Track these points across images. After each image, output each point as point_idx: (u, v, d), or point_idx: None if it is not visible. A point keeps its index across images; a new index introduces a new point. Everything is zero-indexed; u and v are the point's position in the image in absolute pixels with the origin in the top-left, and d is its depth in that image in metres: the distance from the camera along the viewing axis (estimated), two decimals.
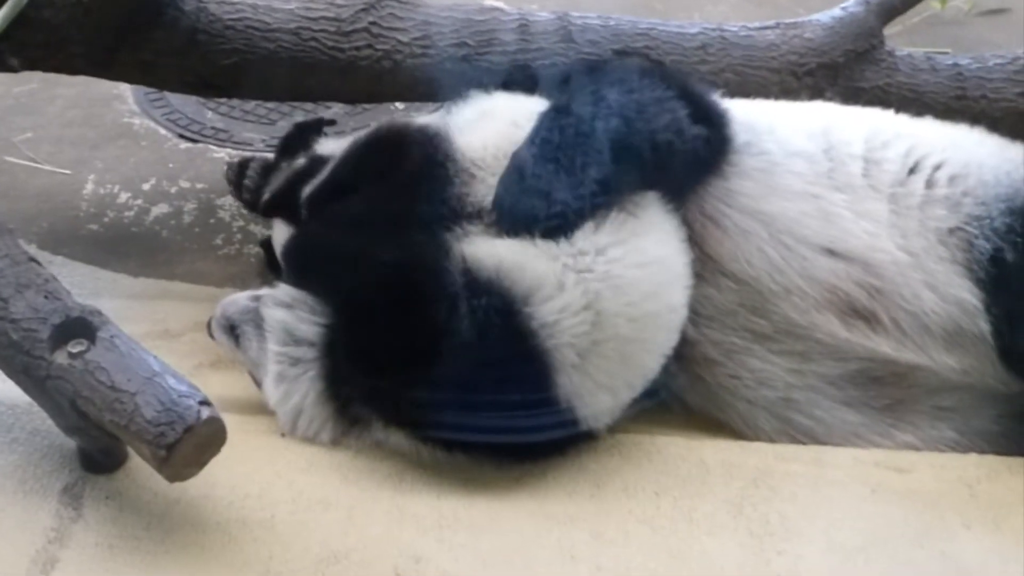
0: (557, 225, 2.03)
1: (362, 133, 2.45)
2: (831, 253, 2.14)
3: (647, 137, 2.12)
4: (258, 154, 3.08)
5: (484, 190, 2.11)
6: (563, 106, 2.16)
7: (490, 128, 2.21)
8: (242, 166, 2.73)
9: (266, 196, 2.62)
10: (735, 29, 2.70)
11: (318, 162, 2.48)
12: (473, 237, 2.06)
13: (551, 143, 2.09)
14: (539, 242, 2.02)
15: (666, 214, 2.14)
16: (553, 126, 2.12)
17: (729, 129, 2.24)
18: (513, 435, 1.98)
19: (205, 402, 1.79)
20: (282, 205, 2.51)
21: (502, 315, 1.96)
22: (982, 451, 2.12)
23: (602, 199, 2.05)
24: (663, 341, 2.08)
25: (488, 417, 1.96)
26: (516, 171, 2.08)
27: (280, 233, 2.57)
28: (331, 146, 2.54)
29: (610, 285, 2.00)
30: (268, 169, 2.69)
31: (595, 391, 2.00)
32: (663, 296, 2.06)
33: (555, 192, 2.04)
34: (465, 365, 1.94)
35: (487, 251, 2.02)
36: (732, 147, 2.22)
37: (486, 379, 1.95)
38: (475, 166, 2.15)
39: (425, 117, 2.46)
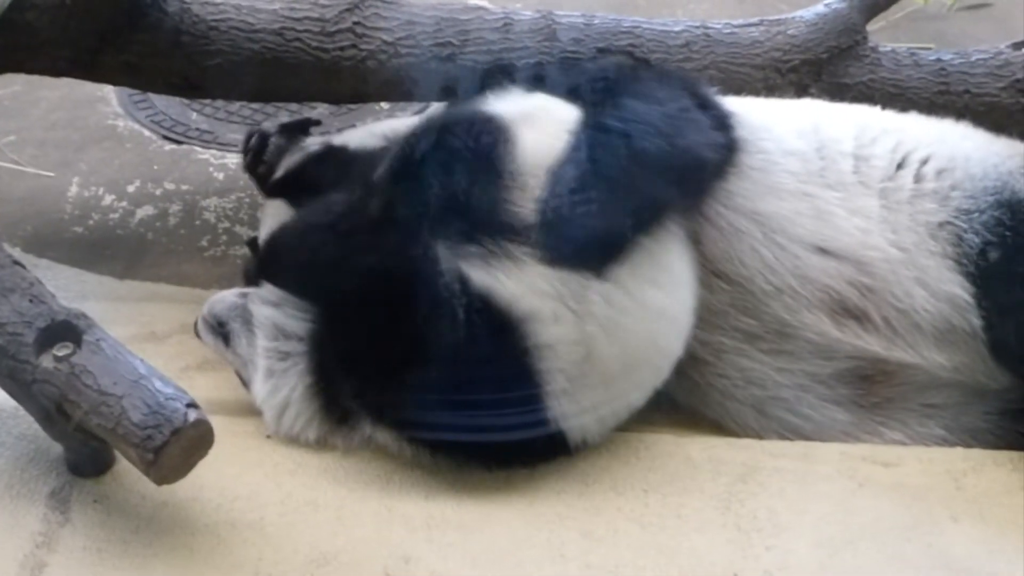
0: (602, 256, 1.97)
1: (431, 114, 2.21)
2: (823, 252, 2.13)
3: (687, 159, 2.09)
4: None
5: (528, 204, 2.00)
6: (599, 124, 2.07)
7: (532, 136, 2.08)
8: (264, 137, 2.71)
9: (279, 174, 2.62)
10: (719, 26, 2.70)
11: (332, 150, 2.49)
12: (487, 257, 1.96)
13: (592, 168, 2.00)
14: (548, 276, 1.95)
15: (684, 252, 2.10)
16: (593, 147, 2.03)
17: (738, 132, 2.21)
18: (499, 445, 1.97)
19: (192, 405, 1.79)
20: (292, 186, 2.51)
21: (498, 328, 1.94)
22: (970, 447, 2.13)
23: (644, 227, 2.00)
24: (651, 379, 2.08)
25: (475, 425, 1.95)
26: (561, 197, 1.97)
27: (272, 220, 2.54)
28: (345, 136, 2.53)
29: (607, 332, 1.96)
30: (283, 149, 2.66)
31: (581, 414, 2.00)
32: (659, 343, 2.05)
33: (601, 222, 1.97)
34: (457, 370, 1.93)
35: (486, 278, 1.95)
36: (740, 148, 2.20)
37: (476, 386, 1.94)
38: (530, 175, 2.02)
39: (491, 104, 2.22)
